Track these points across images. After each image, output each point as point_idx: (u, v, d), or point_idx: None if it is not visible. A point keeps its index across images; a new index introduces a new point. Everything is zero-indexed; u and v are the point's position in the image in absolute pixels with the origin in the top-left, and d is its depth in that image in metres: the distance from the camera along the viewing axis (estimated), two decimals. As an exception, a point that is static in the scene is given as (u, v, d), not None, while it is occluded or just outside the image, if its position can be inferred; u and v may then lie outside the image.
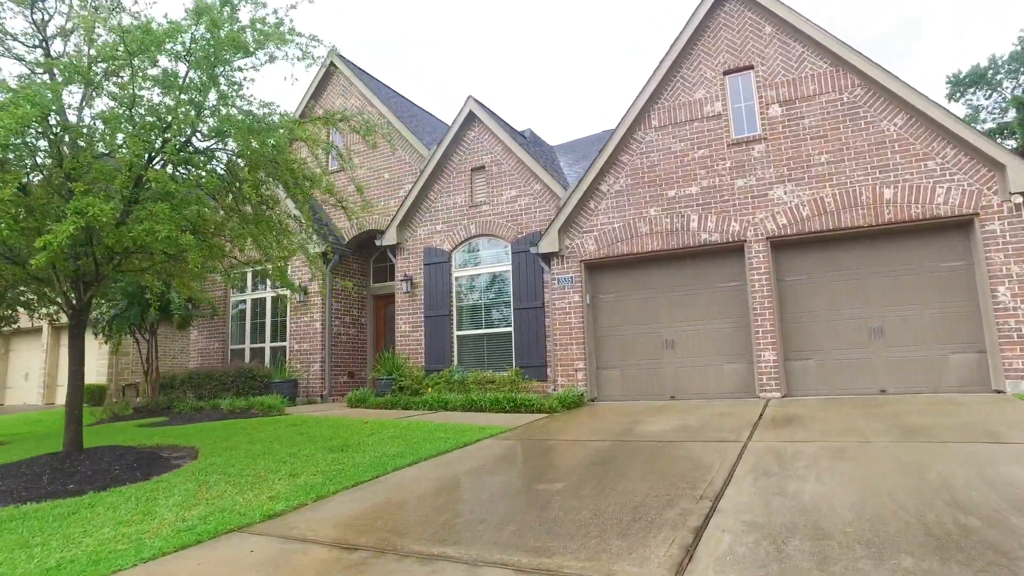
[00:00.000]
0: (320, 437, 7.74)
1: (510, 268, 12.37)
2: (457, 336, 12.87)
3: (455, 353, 12.79)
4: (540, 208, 12.20)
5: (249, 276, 15.74)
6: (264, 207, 8.03)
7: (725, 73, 10.41)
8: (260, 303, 15.49)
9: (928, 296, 9.04)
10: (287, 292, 14.72)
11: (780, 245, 9.90)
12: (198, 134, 7.30)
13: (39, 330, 21.97)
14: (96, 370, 19.69)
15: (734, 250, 10.19)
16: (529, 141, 15.76)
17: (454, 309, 12.97)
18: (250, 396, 13.05)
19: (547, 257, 11.60)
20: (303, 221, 8.75)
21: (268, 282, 15.40)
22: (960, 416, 6.75)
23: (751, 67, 10.24)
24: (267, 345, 15.25)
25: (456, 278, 13.06)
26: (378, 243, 13.78)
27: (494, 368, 12.11)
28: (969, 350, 8.70)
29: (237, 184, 7.71)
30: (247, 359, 15.37)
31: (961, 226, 8.89)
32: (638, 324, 10.96)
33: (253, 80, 7.58)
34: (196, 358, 16.38)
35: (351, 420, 9.23)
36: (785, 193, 9.70)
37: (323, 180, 8.36)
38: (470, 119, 13.07)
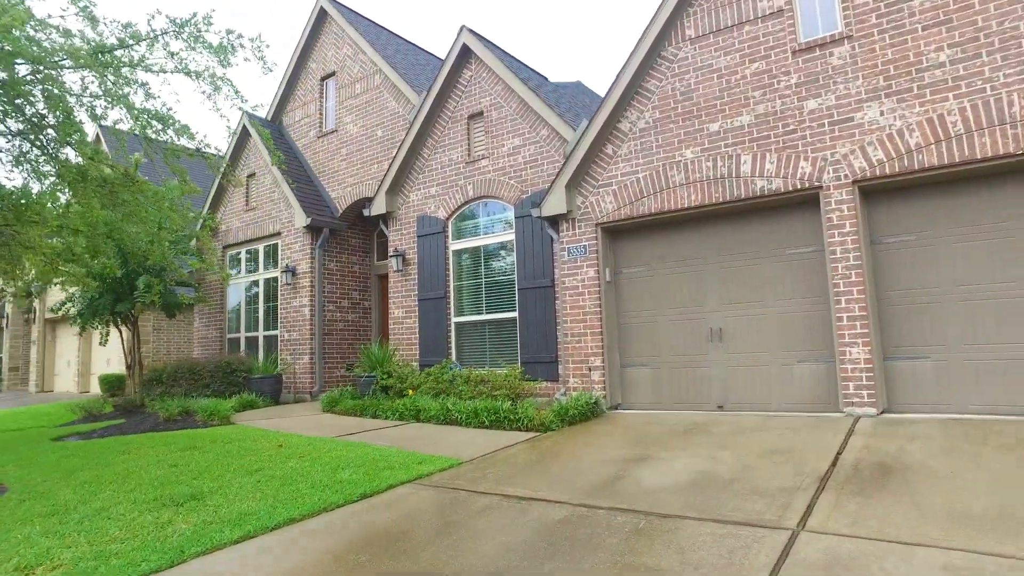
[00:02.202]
0: (191, 471, 5.56)
1: (514, 237, 9.78)
2: (455, 323, 10.45)
3: (452, 344, 10.39)
4: (548, 159, 9.50)
5: (243, 256, 13.94)
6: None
7: (791, -51, 7.30)
8: (256, 287, 13.66)
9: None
10: (278, 273, 12.79)
11: (874, 191, 6.80)
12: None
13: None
14: (118, 359, 18.76)
15: (805, 201, 7.17)
16: (574, 90, 12.97)
17: (451, 290, 10.54)
18: (223, 396, 11.23)
19: (555, 222, 8.94)
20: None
21: (261, 262, 13.54)
22: None
23: (830, -64, 7.08)
24: (260, 334, 13.42)
25: (453, 252, 10.61)
26: (366, 213, 11.51)
27: (498, 362, 9.63)
28: None
29: None
30: (242, 349, 13.63)
31: None
32: (674, 307, 8.15)
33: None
34: (198, 348, 14.86)
35: (278, 439, 7.05)
36: (882, 114, 6.57)
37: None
38: (464, 55, 10.47)
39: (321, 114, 13.46)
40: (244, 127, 13.71)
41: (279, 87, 14.13)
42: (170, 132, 6.91)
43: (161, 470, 5.72)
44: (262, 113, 14.37)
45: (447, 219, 10.62)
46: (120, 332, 12.78)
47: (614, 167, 8.41)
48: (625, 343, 8.52)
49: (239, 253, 14.07)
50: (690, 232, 8.10)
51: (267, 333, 13.22)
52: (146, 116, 6.61)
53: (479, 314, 10.21)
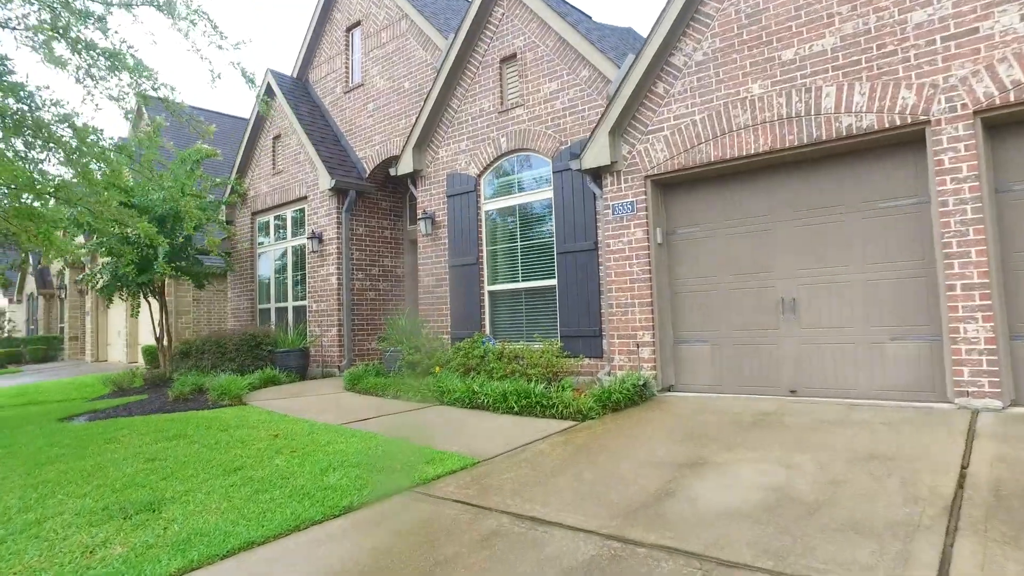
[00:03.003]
0: (164, 470, 4.79)
1: (552, 195, 8.66)
2: (488, 292, 9.46)
3: (486, 315, 9.43)
4: (590, 104, 8.28)
5: (272, 223, 13.28)
6: None
7: None
8: (285, 255, 13.00)
9: None
10: (305, 240, 12.05)
11: (1004, 124, 5.37)
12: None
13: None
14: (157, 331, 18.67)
15: (906, 140, 5.79)
16: (624, 36, 11.57)
17: (484, 255, 9.53)
18: (248, 371, 10.64)
19: (598, 175, 7.77)
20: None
21: (289, 228, 12.84)
22: None
23: None
24: (289, 305, 12.79)
25: (486, 212, 9.56)
26: (392, 172, 10.56)
27: (535, 336, 8.63)
28: None
29: None
30: (272, 321, 13.06)
31: None
32: (737, 273, 6.93)
33: None
34: (231, 319, 14.42)
35: (279, 426, 6.27)
36: (1023, 18, 5.11)
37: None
38: (496, -13, 9.25)
39: (347, 68, 12.49)
40: (268, 85, 12.90)
41: (304, 42, 13.21)
42: (124, 75, 6.05)
43: (133, 466, 4.99)
44: (286, 70, 13.55)
45: (479, 176, 9.55)
46: (149, 304, 12.36)
47: (666, 109, 7.15)
48: (679, 315, 7.36)
49: (267, 220, 13.41)
50: (756, 183, 6.81)
51: (296, 304, 12.57)
52: (89, 50, 5.73)
53: (514, 281, 9.19)
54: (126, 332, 21.10)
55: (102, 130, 6.81)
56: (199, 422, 6.65)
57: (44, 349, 25.03)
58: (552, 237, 8.65)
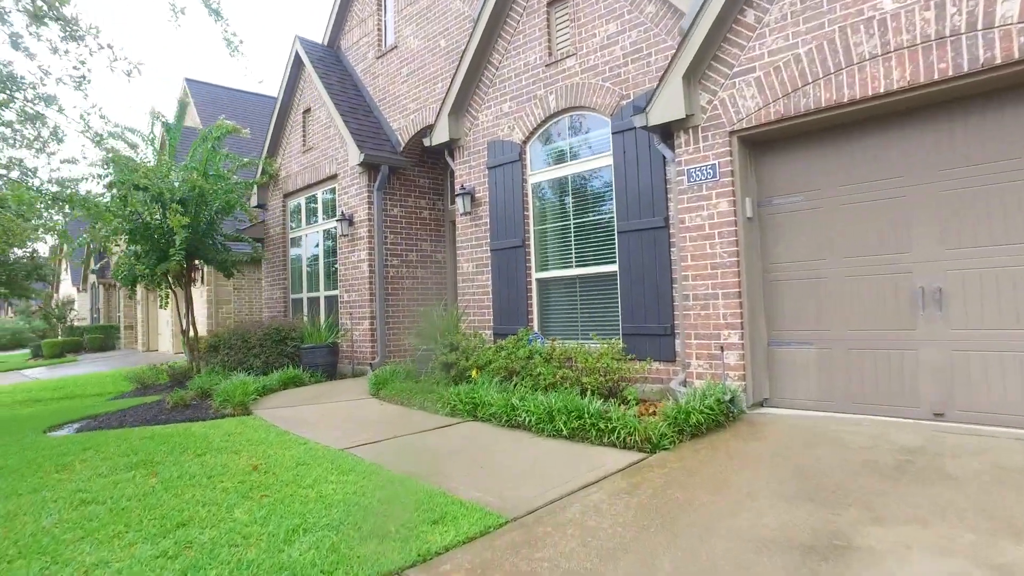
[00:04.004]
0: (85, 526, 3.58)
1: (612, 162, 7.13)
2: (536, 280, 8.04)
3: (534, 307, 8.01)
4: (657, 46, 6.68)
5: (303, 205, 12.21)
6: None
7: None
8: (316, 240, 11.91)
9: None
10: (335, 223, 10.92)
11: None
12: None
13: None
14: (202, 320, 18.12)
15: None
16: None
17: (531, 236, 8.10)
18: (271, 369, 9.62)
19: (668, 133, 6.21)
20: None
21: (320, 211, 11.74)
22: None
23: None
24: (321, 294, 11.72)
25: (533, 185, 8.11)
26: (427, 143, 9.22)
27: (591, 334, 7.18)
28: None
29: None
30: (305, 312, 12.04)
31: None
32: (856, 255, 5.27)
33: None
34: (265, 310, 13.52)
35: (264, 453, 5.04)
36: None
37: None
38: (541, -87, 7.71)
39: (380, 30, 11.20)
40: (297, 56, 11.77)
41: (334, 4, 11.98)
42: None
43: (57, 514, 3.83)
44: (317, 38, 12.40)
45: (524, 143, 8.11)
46: (174, 294, 11.51)
47: (758, 43, 5.51)
48: (775, 309, 5.76)
49: (299, 202, 12.35)
50: (887, 135, 5.11)
51: (328, 293, 11.48)
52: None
53: (566, 268, 7.73)
54: (172, 322, 20.76)
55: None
56: (179, 441, 5.51)
57: (102, 338, 25.17)
58: (612, 214, 7.14)
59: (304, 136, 11.99)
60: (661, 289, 6.58)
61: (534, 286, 8.03)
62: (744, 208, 5.76)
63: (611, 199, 7.16)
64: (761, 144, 5.83)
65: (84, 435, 6.28)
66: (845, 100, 5.00)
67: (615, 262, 7.07)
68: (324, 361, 9.63)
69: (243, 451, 5.05)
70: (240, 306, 17.05)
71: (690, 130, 6.01)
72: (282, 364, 9.75)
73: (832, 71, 5.06)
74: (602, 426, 4.88)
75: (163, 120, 10.68)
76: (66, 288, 34.72)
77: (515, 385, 6.54)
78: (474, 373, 7.09)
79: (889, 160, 5.09)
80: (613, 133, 7.05)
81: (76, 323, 29.37)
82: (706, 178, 5.89)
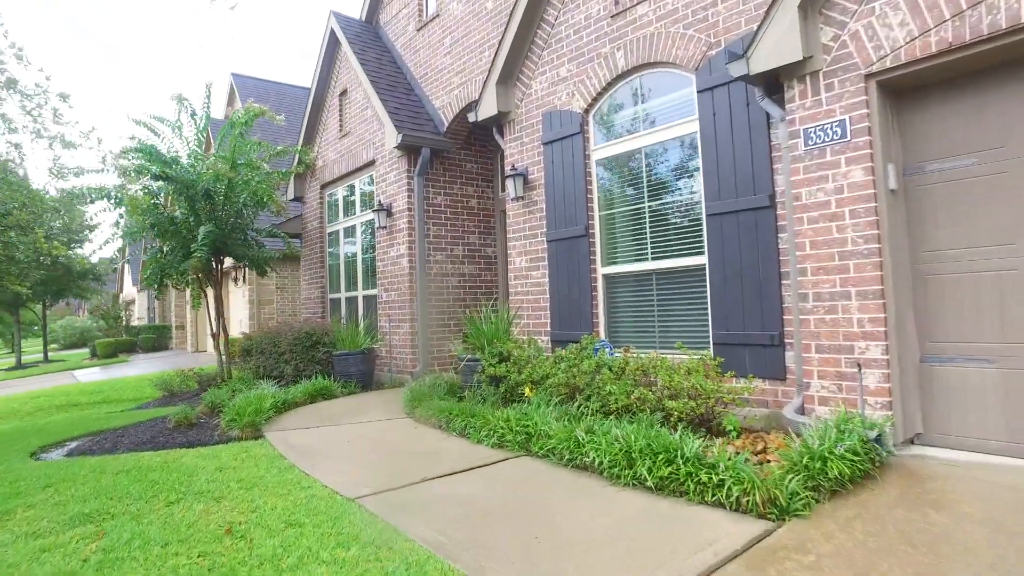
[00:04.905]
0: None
1: (698, 128, 5.70)
2: (603, 276, 6.69)
3: (600, 310, 6.67)
4: (759, -24, 5.23)
5: (340, 195, 11.19)
6: None
7: None
8: (354, 234, 10.86)
9: None
10: (372, 214, 9.83)
11: None
12: None
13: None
14: (240, 320, 17.48)
15: None
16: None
17: (596, 223, 6.75)
18: (301, 378, 8.60)
19: (775, 84, 4.78)
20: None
21: (357, 202, 10.68)
22: None
23: None
24: (359, 294, 10.66)
25: (597, 162, 6.76)
26: (471, 118, 7.97)
27: (673, 342, 5.80)
28: None
29: None
30: (343, 313, 11.01)
31: None
32: (1062, 237, 3.73)
33: None
34: (303, 310, 12.60)
35: (248, 507, 3.85)
36: None
37: None
38: None
39: (421, -1, 10.04)
40: (332, 32, 10.74)
41: (372, -26, 10.90)
42: None
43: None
44: (354, 13, 11.34)
45: (586, 112, 6.76)
46: (204, 294, 10.67)
47: (915, -54, 4.02)
48: (932, 314, 4.26)
49: (336, 193, 11.33)
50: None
51: (367, 293, 10.40)
52: None
53: (640, 261, 6.34)
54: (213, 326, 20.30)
55: None
56: (157, 479, 4.41)
57: (155, 338, 25.10)
58: (699, 192, 5.73)
59: (341, 120, 10.96)
60: (765, 287, 5.14)
61: (600, 283, 6.68)
62: (887, 177, 4.28)
63: (697, 174, 5.74)
64: (910, 91, 4.33)
65: (63, 463, 5.29)
66: (1055, 14, 3.47)
67: (703, 253, 5.65)
68: (358, 370, 8.52)
69: (227, 497, 3.90)
70: (283, 306, 16.31)
71: (807, 77, 4.56)
72: (313, 372, 8.71)
73: (1032, -25, 3.55)
74: (703, 478, 3.51)
75: (188, 105, 9.79)
76: (128, 288, 35.25)
77: (578, 407, 5.22)
78: (527, 390, 5.80)
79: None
80: (699, 91, 5.62)
81: (135, 323, 29.60)
82: (831, 139, 4.42)
